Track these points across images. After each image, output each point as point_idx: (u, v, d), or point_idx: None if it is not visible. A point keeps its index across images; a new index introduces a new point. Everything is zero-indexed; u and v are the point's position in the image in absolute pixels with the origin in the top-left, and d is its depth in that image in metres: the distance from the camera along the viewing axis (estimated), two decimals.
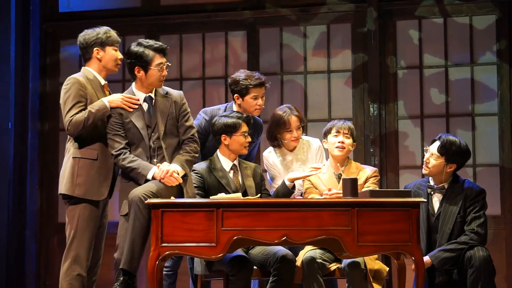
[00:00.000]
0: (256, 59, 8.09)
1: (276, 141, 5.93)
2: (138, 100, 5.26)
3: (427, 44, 7.88)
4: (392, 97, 7.85)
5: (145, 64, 5.22)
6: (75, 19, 8.40)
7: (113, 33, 5.45)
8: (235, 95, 5.80)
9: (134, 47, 5.27)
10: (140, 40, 5.32)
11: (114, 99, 5.26)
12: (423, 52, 7.87)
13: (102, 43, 5.40)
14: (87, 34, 5.42)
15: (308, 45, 8.06)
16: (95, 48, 5.39)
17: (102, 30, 5.43)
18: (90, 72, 5.40)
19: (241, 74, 5.81)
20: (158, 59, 5.24)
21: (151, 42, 5.30)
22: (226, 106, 5.99)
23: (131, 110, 5.23)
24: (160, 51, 5.27)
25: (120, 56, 5.45)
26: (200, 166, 5.48)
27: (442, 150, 5.53)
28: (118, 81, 8.24)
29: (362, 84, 7.87)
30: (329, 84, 8.00)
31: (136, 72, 5.25)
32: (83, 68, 5.46)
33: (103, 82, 5.43)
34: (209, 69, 8.24)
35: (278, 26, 8.11)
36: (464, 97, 7.76)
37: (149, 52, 5.23)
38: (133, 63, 5.23)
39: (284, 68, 8.10)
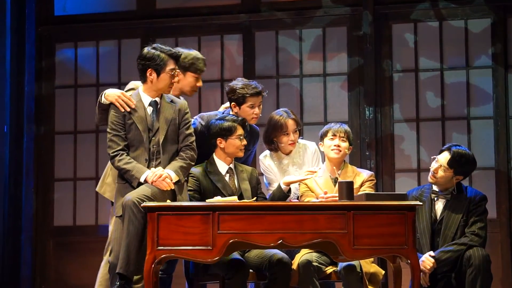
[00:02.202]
0: (252, 63, 8.10)
1: (272, 145, 5.93)
2: (134, 103, 5.25)
3: (423, 47, 7.89)
4: (387, 100, 7.85)
5: (158, 67, 5.22)
6: (70, 23, 8.41)
7: (200, 64, 5.60)
8: (232, 103, 5.80)
9: (149, 50, 5.27)
10: (155, 45, 5.33)
11: (111, 94, 5.26)
12: (418, 56, 7.88)
13: (185, 68, 5.56)
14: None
15: (303, 48, 8.06)
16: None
17: (190, 56, 5.58)
18: None
19: (238, 83, 5.82)
20: (171, 65, 5.26)
21: (166, 47, 5.32)
22: (223, 113, 5.99)
23: (122, 110, 5.22)
24: (174, 57, 5.29)
25: (200, 84, 5.67)
26: (196, 169, 5.48)
27: (452, 163, 5.54)
28: (114, 84, 8.24)
29: (357, 88, 7.88)
30: (325, 88, 8.00)
31: (148, 75, 5.24)
32: None
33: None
34: (205, 73, 8.17)
35: (273, 29, 8.11)
36: (460, 101, 7.77)
37: (164, 56, 5.24)
38: (147, 65, 5.23)
39: (280, 72, 8.11)
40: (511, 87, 7.66)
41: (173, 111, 5.29)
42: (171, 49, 5.32)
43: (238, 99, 5.76)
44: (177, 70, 5.32)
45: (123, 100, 5.24)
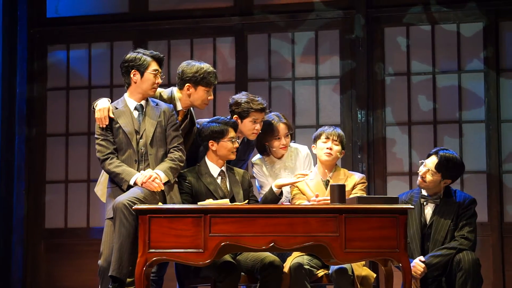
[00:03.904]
0: (244, 65, 8.10)
1: (264, 149, 5.93)
2: (107, 123, 5.29)
3: (415, 51, 7.90)
4: (380, 103, 7.86)
5: (141, 67, 5.32)
6: (62, 25, 8.40)
7: (212, 77, 5.62)
8: (234, 116, 5.80)
9: (132, 53, 5.40)
10: (138, 49, 5.46)
11: (98, 108, 5.32)
12: (411, 59, 7.90)
13: (196, 82, 5.57)
14: (187, 68, 5.62)
15: (296, 51, 8.07)
16: (187, 84, 5.59)
17: (202, 70, 5.60)
18: (174, 95, 5.64)
19: (243, 97, 5.82)
20: (154, 66, 5.36)
21: (148, 50, 5.46)
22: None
23: (101, 125, 5.29)
24: (157, 59, 5.40)
25: (211, 97, 5.67)
26: (188, 172, 5.48)
27: (440, 167, 5.55)
28: (106, 86, 8.24)
29: (350, 91, 7.89)
30: (317, 91, 8.01)
31: (132, 76, 5.33)
32: (173, 88, 5.69)
33: (179, 108, 5.63)
34: None
35: (266, 32, 8.11)
36: (452, 104, 7.78)
37: (147, 57, 5.36)
38: (130, 66, 5.33)
39: (272, 74, 8.11)
40: (503, 91, 7.68)
41: (158, 114, 5.36)
42: (153, 51, 5.44)
43: (241, 113, 5.76)
44: (161, 73, 5.39)
45: (99, 117, 5.30)
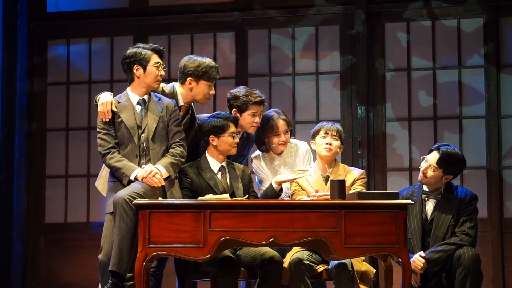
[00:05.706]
0: (245, 61, 8.09)
1: (264, 146, 5.93)
2: (110, 117, 5.29)
3: (415, 46, 7.90)
4: (380, 99, 7.86)
5: (143, 61, 5.33)
6: (63, 19, 8.39)
7: (214, 72, 5.62)
8: (233, 110, 5.80)
9: (132, 48, 5.40)
10: (137, 44, 5.46)
11: (101, 101, 5.31)
12: (411, 55, 7.89)
13: (198, 76, 5.58)
14: (189, 62, 5.62)
15: (296, 46, 8.06)
16: (189, 78, 5.59)
17: (204, 64, 5.61)
18: (175, 90, 5.64)
19: (241, 90, 5.83)
20: (156, 58, 5.37)
21: (148, 44, 5.46)
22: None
23: (104, 119, 5.29)
24: (157, 52, 5.41)
25: (212, 92, 5.66)
26: (189, 167, 5.48)
27: (442, 163, 5.55)
28: (106, 81, 8.24)
29: (350, 86, 7.89)
30: (317, 86, 8.01)
31: (135, 71, 5.33)
32: (175, 83, 5.69)
33: (181, 103, 5.63)
34: None
35: (266, 27, 8.11)
36: (452, 100, 7.78)
37: (147, 51, 5.36)
38: (132, 62, 5.33)
39: (272, 70, 8.10)
40: (503, 87, 7.68)
41: (161, 109, 5.35)
42: (152, 44, 5.45)
43: (240, 106, 5.77)
44: (163, 65, 5.40)
45: (103, 111, 5.30)
